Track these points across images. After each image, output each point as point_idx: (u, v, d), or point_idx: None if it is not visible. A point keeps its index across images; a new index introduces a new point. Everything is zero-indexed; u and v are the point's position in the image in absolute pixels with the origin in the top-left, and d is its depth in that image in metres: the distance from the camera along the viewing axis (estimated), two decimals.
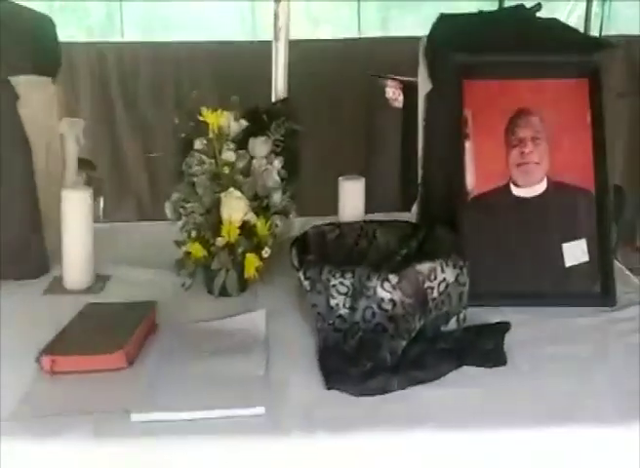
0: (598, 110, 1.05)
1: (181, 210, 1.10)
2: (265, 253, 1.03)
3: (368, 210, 1.21)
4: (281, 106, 1.41)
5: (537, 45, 1.10)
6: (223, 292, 1.04)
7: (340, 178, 1.16)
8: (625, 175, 2.64)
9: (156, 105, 3.01)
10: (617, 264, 1.08)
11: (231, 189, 1.06)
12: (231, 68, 2.83)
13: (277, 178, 1.20)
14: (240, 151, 1.18)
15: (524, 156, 1.04)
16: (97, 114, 3.01)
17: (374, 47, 2.93)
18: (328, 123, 2.76)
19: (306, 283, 0.89)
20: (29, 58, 1.20)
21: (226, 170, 1.07)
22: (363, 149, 2.73)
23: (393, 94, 2.55)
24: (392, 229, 1.08)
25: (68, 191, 1.11)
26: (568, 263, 1.01)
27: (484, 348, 0.87)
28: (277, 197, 1.18)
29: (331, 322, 0.87)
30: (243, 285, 1.05)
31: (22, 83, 1.17)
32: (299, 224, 1.21)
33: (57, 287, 1.11)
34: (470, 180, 1.04)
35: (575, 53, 1.09)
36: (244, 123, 1.27)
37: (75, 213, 1.09)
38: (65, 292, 1.09)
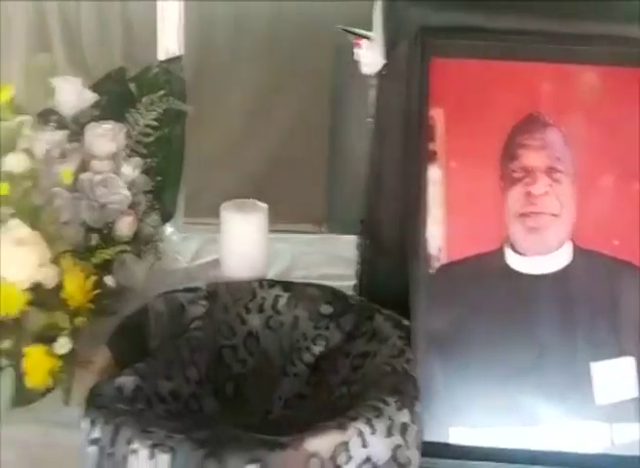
0: None
1: None
2: (61, 346, 0.57)
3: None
4: (165, 71, 0.93)
5: (561, 7, 0.64)
6: None
7: (224, 206, 0.69)
8: None
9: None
10: None
11: (12, 222, 0.60)
12: None
13: (125, 194, 0.74)
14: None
15: (532, 200, 0.57)
16: None
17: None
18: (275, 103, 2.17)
19: (92, 450, 0.44)
20: None
21: (4, 190, 0.60)
22: (322, 136, 2.12)
23: (364, 56, 1.98)
24: (305, 300, 0.63)
25: None
26: (601, 399, 0.55)
27: None
28: (125, 226, 0.72)
29: None
30: (28, 395, 0.57)
31: None
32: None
33: None
34: (437, 237, 0.59)
35: (626, 24, 0.63)
36: (90, 97, 0.80)
37: None
38: None
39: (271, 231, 0.72)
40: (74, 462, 0.50)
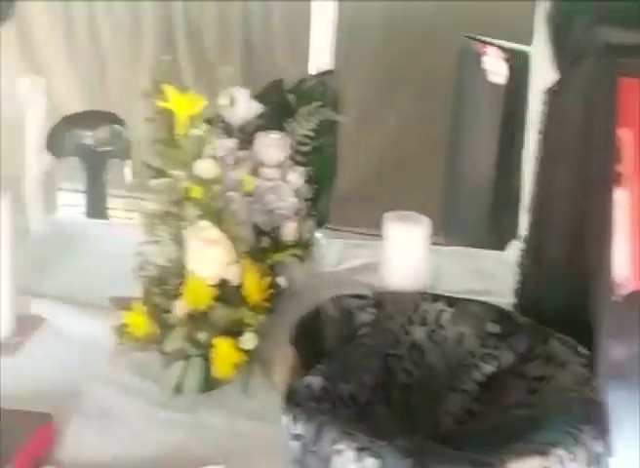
0: None
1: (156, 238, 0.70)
2: (247, 341, 0.61)
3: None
4: (320, 83, 0.96)
5: None
6: (179, 390, 0.62)
7: (387, 216, 0.71)
8: None
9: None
10: None
11: (202, 223, 0.65)
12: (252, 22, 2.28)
13: (292, 200, 0.78)
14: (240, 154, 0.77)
15: None
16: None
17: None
18: (390, 105, 2.17)
19: (295, 445, 0.47)
20: None
21: (198, 192, 0.65)
22: (442, 142, 1.96)
23: (493, 65, 1.90)
24: (470, 317, 0.64)
25: None
26: None
27: None
28: (290, 231, 0.76)
29: None
30: (211, 383, 0.62)
31: None
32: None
33: None
34: (623, 263, 0.57)
35: None
36: (256, 107, 0.85)
37: None
38: None
39: None
40: (262, 454, 0.54)
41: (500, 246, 1.06)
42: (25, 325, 0.74)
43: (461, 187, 1.97)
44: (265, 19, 2.39)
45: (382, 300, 0.64)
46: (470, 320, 0.63)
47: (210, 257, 0.63)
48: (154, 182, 0.69)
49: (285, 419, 0.47)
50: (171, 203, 0.68)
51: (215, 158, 0.70)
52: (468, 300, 0.65)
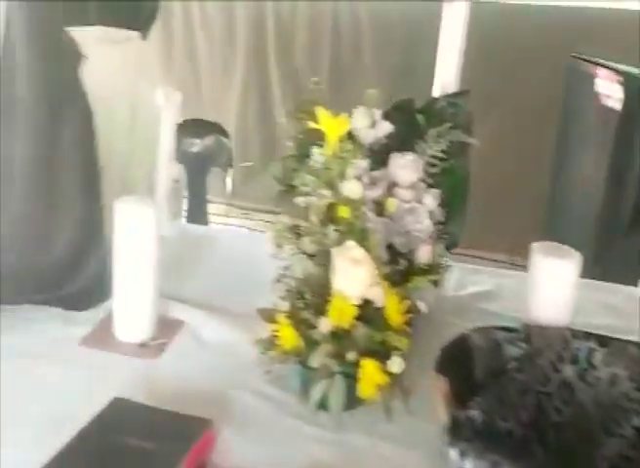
0: None
1: (289, 251, 0.71)
2: (395, 364, 0.59)
3: None
4: (451, 104, 0.95)
5: None
6: (323, 406, 0.62)
7: (536, 247, 0.69)
8: None
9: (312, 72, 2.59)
10: None
11: (349, 243, 0.66)
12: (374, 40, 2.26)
13: (428, 223, 0.77)
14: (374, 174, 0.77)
15: None
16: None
17: (586, 19, 1.99)
18: (500, 124, 2.10)
19: None
20: (107, 5, 0.88)
21: (345, 212, 0.66)
22: (548, 163, 1.92)
23: (606, 88, 1.80)
24: (624, 358, 0.60)
25: (125, 204, 0.73)
26: None
27: None
28: (425, 254, 0.75)
29: None
30: (353, 402, 0.63)
31: (95, 39, 0.85)
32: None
33: (100, 334, 0.75)
34: None
35: None
36: (387, 127, 0.85)
37: (133, 235, 0.73)
38: (109, 347, 0.73)
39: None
40: None
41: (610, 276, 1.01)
42: (166, 327, 0.77)
43: (567, 208, 1.88)
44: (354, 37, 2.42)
45: (531, 334, 0.62)
46: (626, 362, 0.60)
47: (355, 277, 0.63)
48: (299, 200, 0.70)
49: (452, 453, 0.46)
50: (315, 220, 0.69)
51: (358, 178, 0.71)
52: (622, 341, 0.62)
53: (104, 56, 0.89)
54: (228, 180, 1.97)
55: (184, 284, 0.87)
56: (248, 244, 1.04)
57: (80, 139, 0.85)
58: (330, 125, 0.68)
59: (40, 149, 0.82)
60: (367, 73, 2.34)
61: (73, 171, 0.84)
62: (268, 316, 0.65)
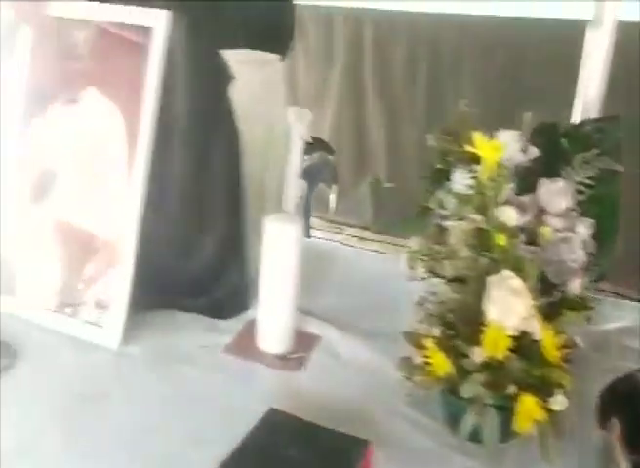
0: None
1: (425, 274, 0.71)
2: (558, 402, 0.57)
3: None
4: (597, 129, 0.91)
5: None
6: (474, 437, 0.60)
7: None
8: None
9: (409, 92, 2.57)
10: None
11: (506, 272, 0.64)
12: (516, 58, 2.12)
13: (581, 254, 0.74)
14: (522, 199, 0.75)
15: None
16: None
17: None
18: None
19: None
20: (254, 28, 0.92)
21: (502, 240, 0.65)
22: None
23: None
24: None
25: (274, 222, 0.78)
26: None
27: None
28: (577, 286, 0.72)
29: None
30: (508, 434, 0.61)
31: (242, 61, 0.89)
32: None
33: (243, 343, 0.77)
34: None
35: None
36: (535, 152, 0.83)
37: (281, 250, 0.77)
38: (252, 356, 0.75)
39: None
40: None
41: None
42: (304, 341, 0.79)
43: None
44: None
45: None
46: None
47: (512, 308, 0.62)
48: (451, 225, 0.70)
49: None
50: (460, 245, 0.68)
51: (511, 204, 0.69)
52: None
53: (249, 77, 0.95)
54: (332, 197, 1.99)
55: (315, 300, 0.89)
56: (369, 262, 1.05)
57: (228, 157, 0.91)
58: (486, 148, 0.68)
59: (193, 166, 0.89)
60: (463, 90, 2.28)
61: (220, 186, 0.90)
62: (416, 341, 0.65)
